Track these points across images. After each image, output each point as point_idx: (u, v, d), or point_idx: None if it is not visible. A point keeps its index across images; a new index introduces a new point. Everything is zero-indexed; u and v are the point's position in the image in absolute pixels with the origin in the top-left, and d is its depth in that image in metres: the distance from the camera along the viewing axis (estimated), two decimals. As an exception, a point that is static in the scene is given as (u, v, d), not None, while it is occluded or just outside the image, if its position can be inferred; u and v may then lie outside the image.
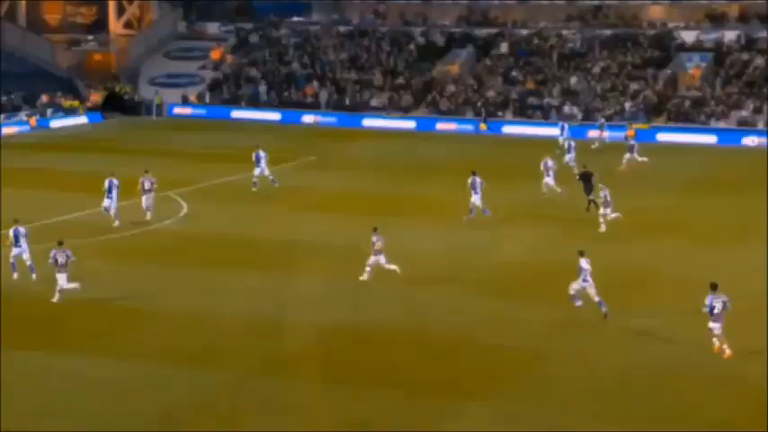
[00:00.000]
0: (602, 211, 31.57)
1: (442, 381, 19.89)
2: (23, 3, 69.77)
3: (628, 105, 57.37)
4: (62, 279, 24.24)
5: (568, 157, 41.26)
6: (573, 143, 42.66)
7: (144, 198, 33.13)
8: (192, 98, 63.90)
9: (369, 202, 36.63)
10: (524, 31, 65.46)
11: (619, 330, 22.46)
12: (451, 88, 61.41)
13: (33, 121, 56.75)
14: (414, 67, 64.14)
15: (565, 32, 64.45)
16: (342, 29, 69.23)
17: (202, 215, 34.40)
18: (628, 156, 42.49)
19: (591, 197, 33.53)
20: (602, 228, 31.35)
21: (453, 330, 22.71)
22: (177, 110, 63.06)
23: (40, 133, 55.00)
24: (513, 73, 61.73)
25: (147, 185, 33.32)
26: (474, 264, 28.09)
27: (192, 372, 20.15)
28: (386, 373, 20.34)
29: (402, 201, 36.93)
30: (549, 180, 36.21)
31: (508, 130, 56.40)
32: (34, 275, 26.01)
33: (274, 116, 61.31)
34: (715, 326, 20.63)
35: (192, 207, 35.41)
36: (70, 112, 60.22)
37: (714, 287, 20.75)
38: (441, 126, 58.15)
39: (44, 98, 59.38)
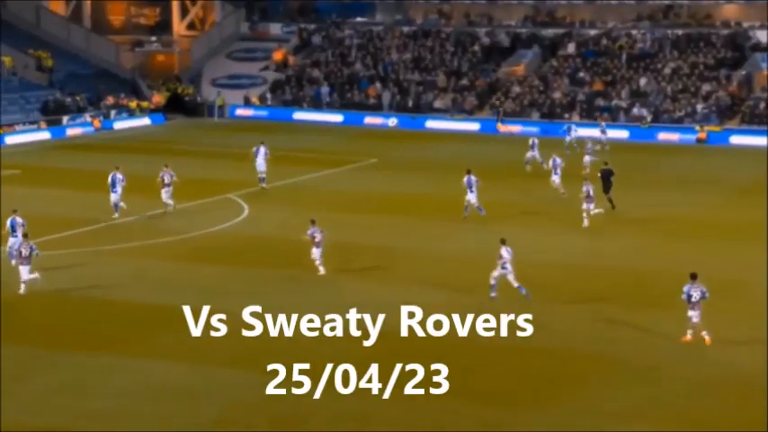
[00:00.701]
0: (584, 206, 32.41)
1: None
2: (88, 4, 71.13)
3: (699, 107, 56.47)
4: (24, 271, 25.06)
5: (587, 159, 41.40)
6: (588, 144, 43.28)
7: (163, 191, 33.81)
8: (254, 99, 64.50)
9: (430, 205, 36.56)
10: (592, 31, 64.83)
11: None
12: (516, 89, 61.04)
13: (97, 122, 57.74)
14: (478, 67, 63.92)
15: (634, 32, 63.69)
16: (405, 29, 69.28)
17: (263, 218, 34.65)
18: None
19: (609, 195, 34.61)
20: (586, 222, 32.33)
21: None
22: (239, 111, 63.66)
23: (103, 134, 55.94)
24: (581, 74, 61.17)
25: (166, 179, 33.98)
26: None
27: (248, 374, 20.25)
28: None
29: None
30: (555, 178, 36.93)
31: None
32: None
33: (336, 118, 61.55)
34: (693, 314, 21.42)
35: (253, 209, 35.69)
36: (133, 113, 61.16)
37: (694, 277, 21.58)
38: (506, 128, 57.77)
39: (109, 100, 60.37)
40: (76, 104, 58.63)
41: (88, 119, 57.75)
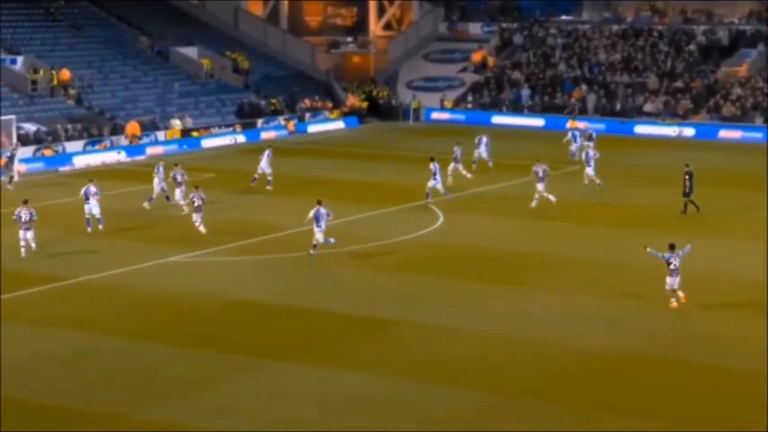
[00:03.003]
0: (539, 186, 36.35)
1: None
2: (286, 5, 73.66)
3: None
4: (29, 234, 29.49)
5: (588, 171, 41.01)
6: (592, 153, 41.76)
7: (177, 191, 34.86)
8: (446, 103, 64.77)
9: (640, 216, 35.79)
10: (827, 27, 61.71)
11: None
12: (737, 92, 58.78)
13: (291, 125, 59.65)
14: (694, 68, 61.99)
15: None
16: (614, 28, 68.05)
17: (457, 226, 34.84)
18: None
19: (691, 198, 35.45)
20: (534, 204, 36.23)
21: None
22: (435, 115, 64.23)
23: (296, 138, 57.73)
24: (812, 75, 58.31)
25: (178, 178, 35.02)
26: None
27: (441, 388, 20.40)
28: (659, 403, 19.77)
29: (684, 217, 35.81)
30: (589, 171, 39.95)
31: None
32: (101, 226, 32.29)
33: (537, 122, 61.11)
34: (675, 280, 24.66)
35: (448, 217, 35.97)
36: (328, 116, 62.86)
37: (672, 247, 24.73)
38: (724, 134, 55.78)
39: (304, 103, 62.28)
40: (272, 107, 60.80)
41: (282, 122, 59.78)
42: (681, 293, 24.94)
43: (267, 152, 41.35)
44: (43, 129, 49.89)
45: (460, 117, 63.47)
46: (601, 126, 59.16)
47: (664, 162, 47.82)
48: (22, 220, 29.51)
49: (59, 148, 48.46)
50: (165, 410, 19.45)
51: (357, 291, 27.28)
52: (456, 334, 23.79)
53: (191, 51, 63.19)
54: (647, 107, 60.50)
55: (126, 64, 60.10)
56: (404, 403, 19.85)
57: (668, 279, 24.80)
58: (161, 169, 36.86)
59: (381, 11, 75.25)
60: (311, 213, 29.60)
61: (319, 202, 29.90)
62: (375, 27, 75.09)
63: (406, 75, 69.15)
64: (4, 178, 41.10)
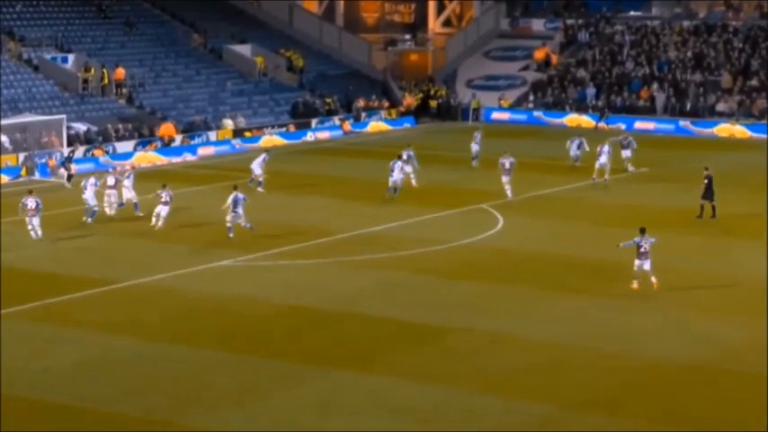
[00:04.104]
0: (504, 179, 38.63)
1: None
2: (341, 2, 73.90)
3: None
4: (35, 220, 32.53)
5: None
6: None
7: (160, 208, 34.30)
8: (503, 102, 64.40)
9: (713, 224, 35.32)
10: None
11: None
12: (818, 91, 57.79)
13: (347, 125, 59.79)
14: (771, 66, 61.07)
15: None
16: (685, 24, 67.25)
17: (518, 230, 34.68)
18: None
19: (713, 202, 35.49)
20: (510, 194, 38.46)
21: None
22: (495, 114, 63.94)
23: (352, 139, 57.86)
24: None
25: (164, 198, 34.47)
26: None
27: (498, 399, 20.28)
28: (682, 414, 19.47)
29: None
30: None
31: None
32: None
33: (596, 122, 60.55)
34: (644, 263, 26.72)
35: (507, 221, 35.81)
36: (384, 116, 62.91)
37: (643, 231, 26.86)
38: (802, 135, 54.81)
39: (360, 102, 62.41)
40: (326, 107, 61.01)
41: (337, 122, 59.95)
42: (654, 279, 26.76)
43: (263, 156, 41.68)
44: (94, 129, 50.58)
45: (522, 117, 63.12)
46: (670, 126, 58.53)
47: (736, 164, 47.08)
48: (29, 207, 32.29)
49: (110, 149, 49.06)
50: (213, 418, 19.56)
51: (412, 297, 27.25)
52: (515, 342, 23.67)
53: (244, 49, 63.67)
54: (720, 107, 59.67)
55: (178, 62, 60.74)
56: (459, 414, 19.76)
57: (637, 261, 26.81)
58: (132, 176, 37.00)
59: (441, 7, 75.14)
60: (229, 199, 32.79)
61: (235, 188, 33.38)
62: (434, 24, 75.01)
63: (465, 73, 68.96)
64: (54, 179, 41.66)
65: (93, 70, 54.51)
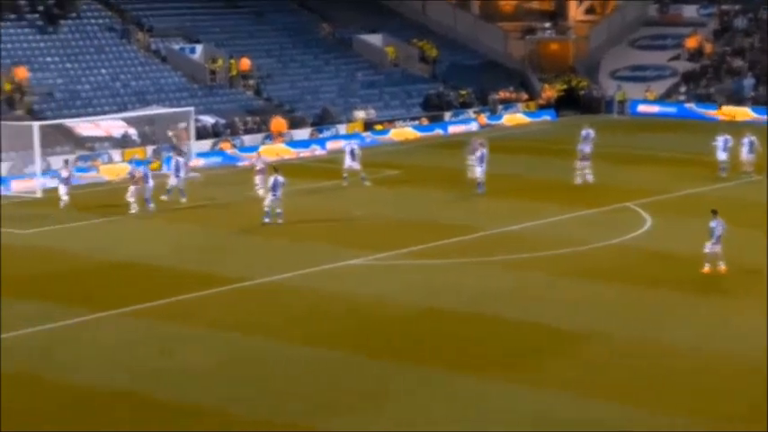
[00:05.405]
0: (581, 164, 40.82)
1: None
2: (478, -11, 73.73)
3: None
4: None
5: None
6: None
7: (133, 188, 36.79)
8: (649, 94, 63.14)
9: None
10: None
11: None
12: None
13: (483, 119, 59.62)
14: None
15: None
16: None
17: (667, 231, 34.04)
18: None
19: None
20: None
21: None
22: (642, 107, 62.96)
23: (487, 133, 57.53)
24: None
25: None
26: None
27: (641, 411, 19.91)
28: None
29: None
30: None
31: None
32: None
33: (762, 116, 58.86)
34: (716, 246, 27.91)
35: (656, 221, 35.20)
36: (522, 109, 62.49)
37: (715, 213, 28.03)
38: None
39: (497, 95, 62.11)
40: (461, 99, 60.91)
41: (472, 115, 59.83)
42: (722, 264, 28.14)
43: (351, 148, 42.11)
44: (221, 121, 51.60)
45: (672, 110, 61.89)
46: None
47: None
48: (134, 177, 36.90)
49: (237, 142, 50.00)
50: (347, 422, 19.73)
51: (555, 300, 27.03)
52: (658, 349, 23.23)
53: (375, 39, 64.13)
54: None
55: (307, 53, 61.55)
56: (600, 425, 19.48)
57: (708, 245, 28.02)
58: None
59: (584, -7, 74.29)
60: (270, 181, 34.32)
61: (276, 170, 35.08)
62: (576, 11, 74.20)
63: (609, 63, 68.02)
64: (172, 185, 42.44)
65: (220, 61, 55.64)
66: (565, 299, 27.13)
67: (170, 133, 46.14)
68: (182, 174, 38.61)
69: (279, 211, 34.67)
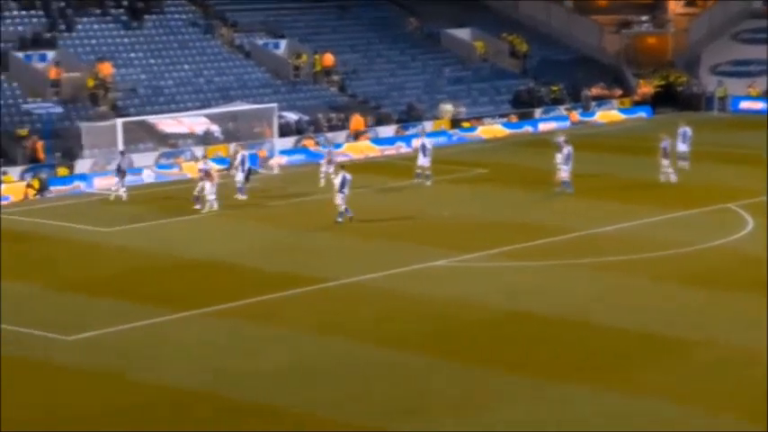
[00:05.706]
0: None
1: None
2: (574, -19, 72.87)
3: None
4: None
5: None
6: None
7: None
8: (752, 90, 61.79)
9: None
10: None
11: None
12: None
13: (575, 115, 58.91)
14: None
15: None
16: None
17: (769, 233, 33.33)
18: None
19: None
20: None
21: None
22: (744, 104, 61.73)
23: (580, 130, 56.78)
24: None
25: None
26: None
27: (740, 422, 19.39)
28: None
29: None
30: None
31: None
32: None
33: None
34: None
35: (758, 223, 34.42)
36: (617, 105, 61.63)
37: None
38: None
39: (590, 91, 61.32)
40: (552, 95, 60.25)
41: (564, 112, 59.16)
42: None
43: (422, 143, 42.18)
44: (305, 118, 51.72)
45: (776, 107, 60.44)
46: None
47: None
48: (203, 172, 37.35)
49: (321, 139, 50.05)
50: (428, 427, 19.50)
51: (650, 305, 26.57)
52: (761, 358, 22.56)
53: (463, 33, 63.79)
54: None
55: (393, 48, 61.43)
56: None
57: None
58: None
59: (684, -14, 73.03)
60: (338, 179, 34.44)
61: (342, 167, 35.54)
62: (675, 4, 72.99)
63: (710, 58, 66.73)
64: (264, 171, 42.56)
65: (304, 57, 55.82)
66: (661, 303, 26.65)
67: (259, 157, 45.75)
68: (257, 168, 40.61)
69: (346, 208, 34.64)
